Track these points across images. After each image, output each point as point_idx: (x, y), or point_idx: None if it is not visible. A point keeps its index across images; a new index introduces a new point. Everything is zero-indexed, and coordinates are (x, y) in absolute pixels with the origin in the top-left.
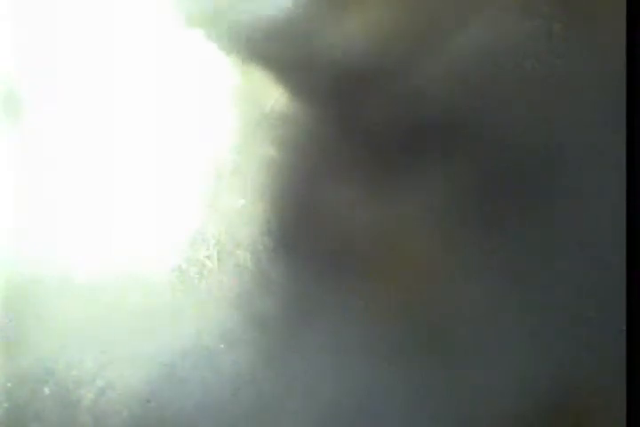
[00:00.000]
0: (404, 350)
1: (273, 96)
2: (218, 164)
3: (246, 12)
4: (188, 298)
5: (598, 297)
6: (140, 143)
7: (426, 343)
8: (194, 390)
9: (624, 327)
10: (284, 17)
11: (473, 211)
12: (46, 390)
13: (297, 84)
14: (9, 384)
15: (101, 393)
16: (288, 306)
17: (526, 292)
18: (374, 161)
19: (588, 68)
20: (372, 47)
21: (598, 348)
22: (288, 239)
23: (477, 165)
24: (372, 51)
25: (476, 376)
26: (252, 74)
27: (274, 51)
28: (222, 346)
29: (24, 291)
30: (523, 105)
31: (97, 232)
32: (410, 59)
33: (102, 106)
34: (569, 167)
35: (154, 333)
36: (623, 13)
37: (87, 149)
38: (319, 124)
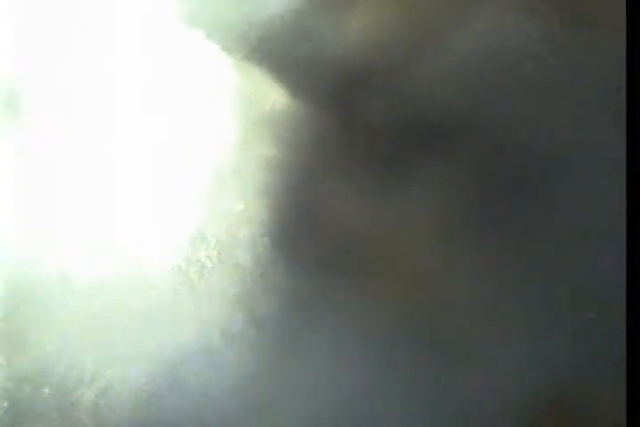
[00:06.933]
0: (404, 349)
1: (273, 96)
2: (218, 164)
3: (247, 12)
4: (188, 298)
5: (598, 297)
6: (140, 143)
7: (426, 343)
8: (194, 390)
9: (624, 327)
10: (285, 17)
11: (473, 211)
12: (46, 390)
13: (297, 83)
14: (9, 384)
15: (101, 393)
16: (288, 306)
17: (526, 292)
18: (374, 161)
19: (588, 69)
20: (371, 47)
21: (598, 348)
22: (288, 239)
23: (477, 165)
24: (371, 51)
25: (476, 376)
26: (253, 73)
27: (274, 50)
28: (222, 346)
29: (24, 291)
30: (523, 105)
31: (97, 232)
32: (410, 59)
33: (102, 106)
34: (569, 167)
35: (154, 332)
36: (623, 13)
37: (87, 150)
38: (319, 124)
